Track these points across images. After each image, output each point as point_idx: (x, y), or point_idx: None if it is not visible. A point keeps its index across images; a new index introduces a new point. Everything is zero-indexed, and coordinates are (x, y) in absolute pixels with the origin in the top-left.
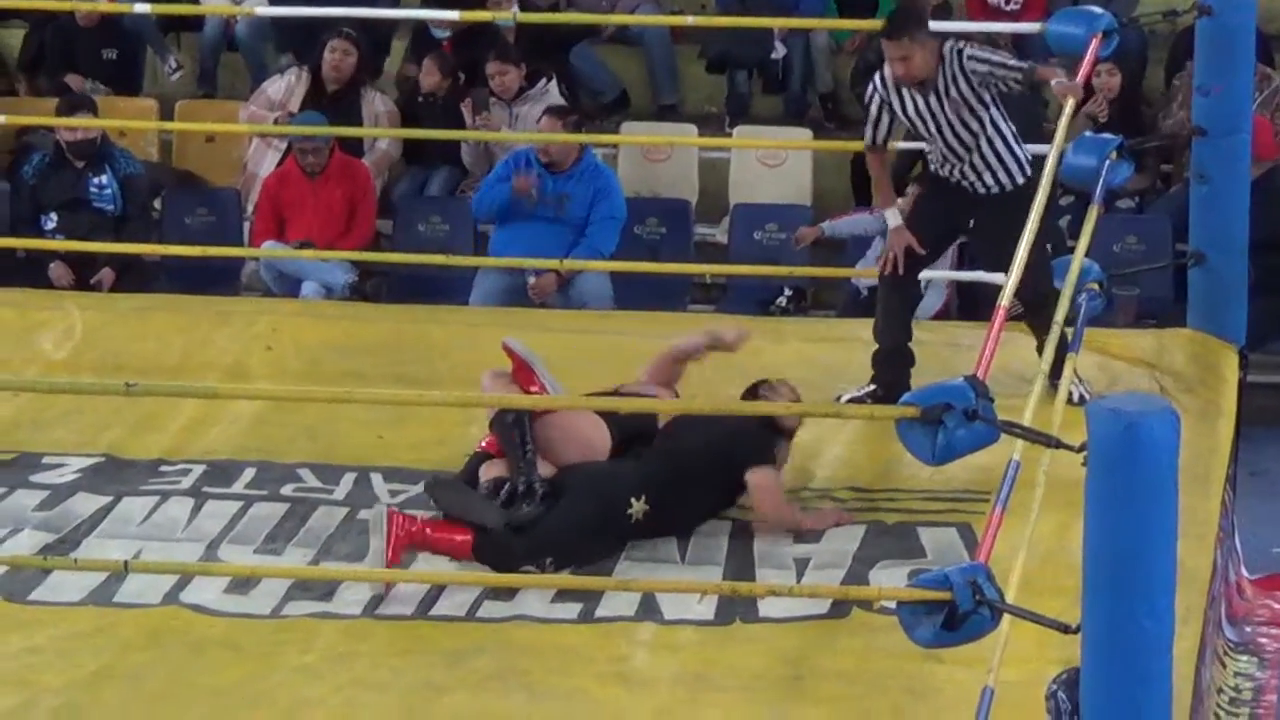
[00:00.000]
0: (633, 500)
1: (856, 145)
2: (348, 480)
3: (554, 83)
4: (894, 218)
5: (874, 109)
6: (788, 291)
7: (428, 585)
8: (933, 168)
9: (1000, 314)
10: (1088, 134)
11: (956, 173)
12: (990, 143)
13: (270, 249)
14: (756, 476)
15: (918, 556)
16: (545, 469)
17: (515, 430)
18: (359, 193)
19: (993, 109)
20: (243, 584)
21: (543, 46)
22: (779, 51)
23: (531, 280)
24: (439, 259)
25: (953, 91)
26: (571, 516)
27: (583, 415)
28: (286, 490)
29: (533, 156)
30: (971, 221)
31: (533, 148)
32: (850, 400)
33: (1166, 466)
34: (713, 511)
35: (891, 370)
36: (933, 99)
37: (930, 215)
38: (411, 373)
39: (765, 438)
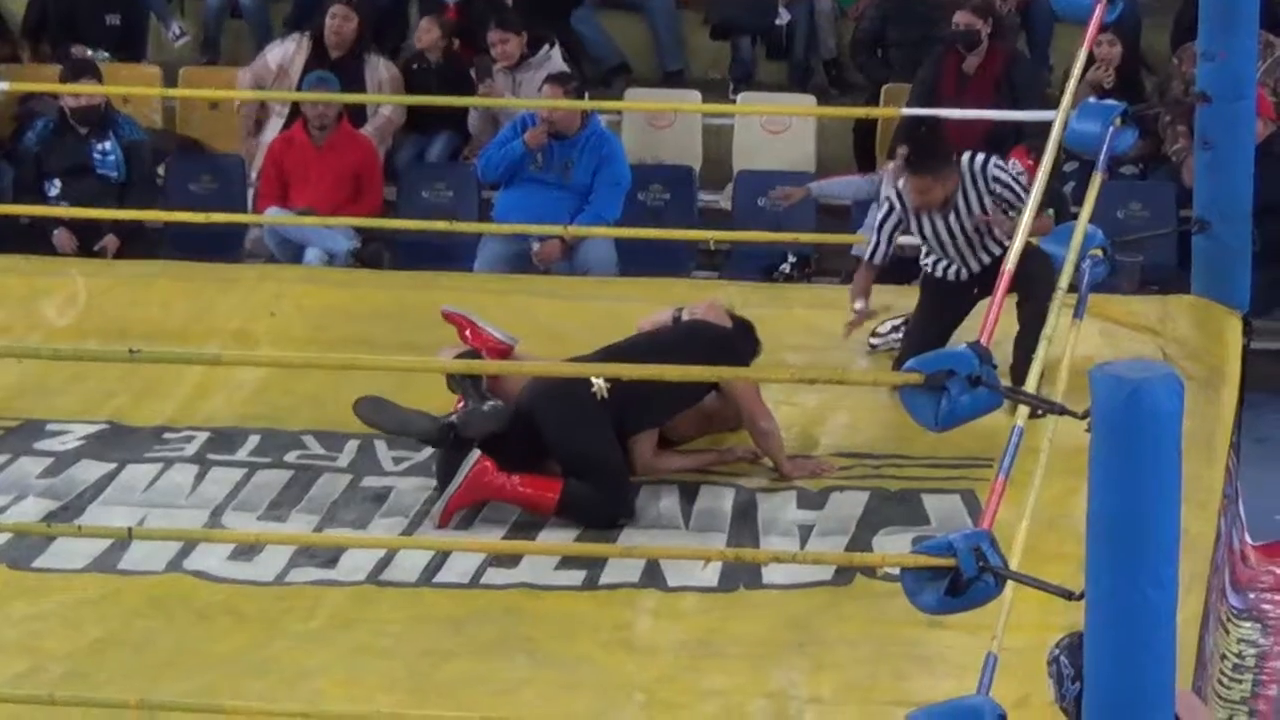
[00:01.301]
0: (593, 380)
1: (860, 111)
2: (351, 448)
3: (556, 50)
4: (860, 303)
5: (888, 226)
6: (791, 258)
7: (431, 553)
8: (935, 272)
9: (1004, 279)
10: (1091, 100)
11: (964, 273)
12: (999, 243)
13: (274, 215)
14: (737, 389)
15: (921, 523)
16: None
17: (467, 377)
18: (365, 163)
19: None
20: (246, 551)
21: (545, 13)
22: (783, 18)
23: (536, 246)
24: (443, 225)
25: (975, 209)
26: (539, 389)
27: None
28: (290, 457)
29: (536, 123)
30: (976, 290)
31: (537, 114)
32: (890, 330)
33: (1170, 433)
34: (678, 401)
35: None
36: (952, 219)
37: (936, 317)
38: (416, 339)
39: (735, 349)
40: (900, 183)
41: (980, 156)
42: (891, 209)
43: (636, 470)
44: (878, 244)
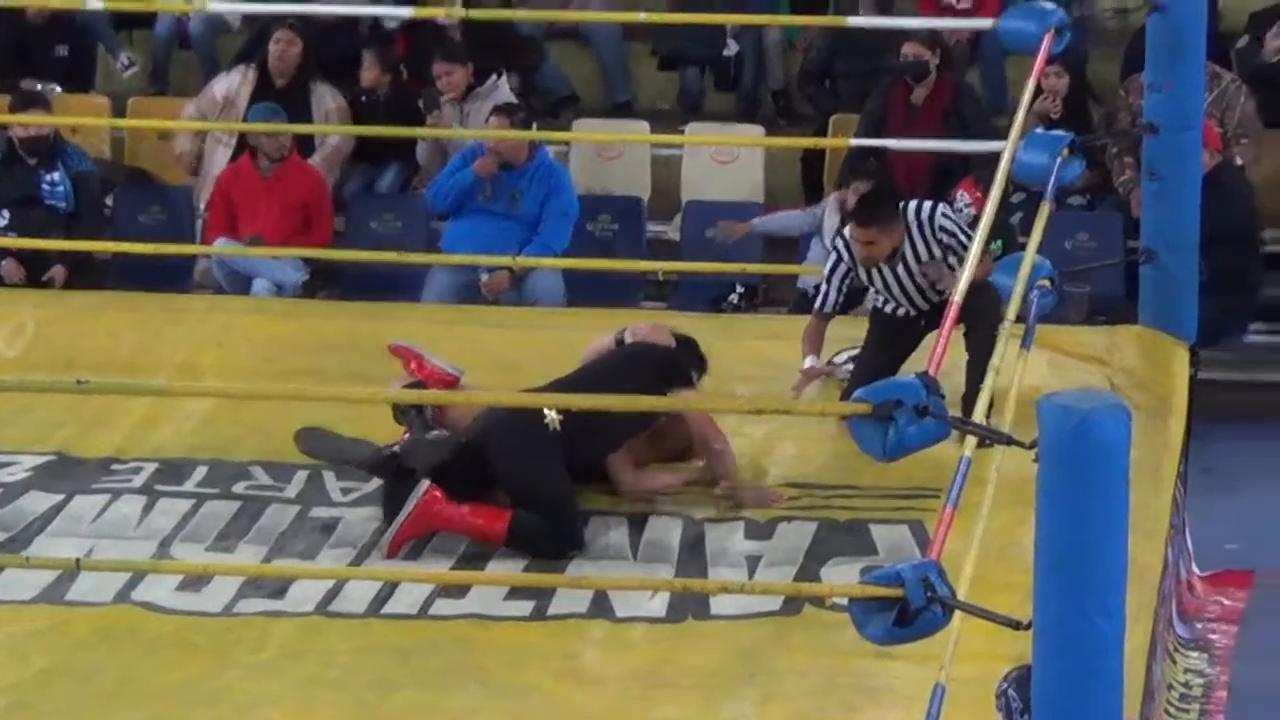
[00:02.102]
0: (546, 410)
1: (808, 142)
2: (299, 478)
3: (504, 80)
4: (811, 361)
5: (837, 277)
6: (739, 289)
7: (380, 583)
8: (884, 308)
9: (951, 310)
10: (1039, 131)
11: (913, 311)
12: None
13: (222, 246)
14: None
15: (869, 553)
16: None
17: (413, 409)
18: (313, 194)
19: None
20: (194, 582)
21: (496, 46)
22: (731, 48)
23: (484, 278)
24: (392, 256)
25: (923, 256)
26: (490, 420)
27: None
28: (238, 488)
29: (485, 153)
30: (924, 323)
31: (483, 145)
32: (846, 360)
33: (1118, 463)
34: (629, 427)
35: None
36: (900, 268)
37: (885, 349)
38: (364, 370)
39: (680, 368)
40: (847, 231)
41: (927, 205)
42: (840, 259)
43: (621, 492)
44: (827, 294)
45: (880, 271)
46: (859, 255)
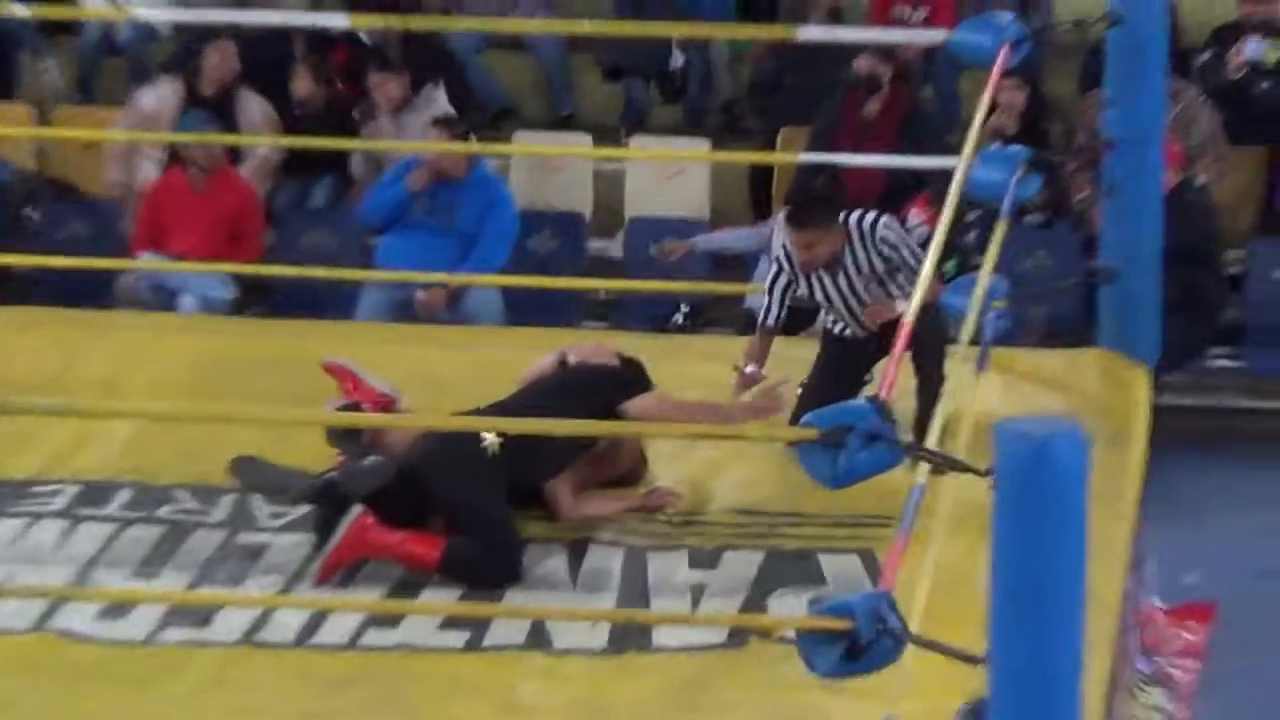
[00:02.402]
0: (484, 435)
1: (756, 156)
2: (226, 503)
3: (440, 91)
4: (751, 367)
5: (779, 286)
6: (684, 308)
7: (310, 612)
8: (833, 329)
9: (903, 333)
10: (994, 147)
11: (860, 332)
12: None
13: (149, 261)
14: (636, 405)
15: (818, 583)
16: None
17: (349, 432)
18: (244, 208)
19: (901, 274)
20: (116, 610)
21: (431, 56)
22: (677, 60)
23: (419, 295)
24: (324, 272)
25: (864, 269)
26: (428, 444)
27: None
28: (163, 512)
29: (420, 166)
30: (875, 347)
31: (419, 158)
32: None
33: (1076, 491)
34: (570, 451)
35: None
36: (841, 279)
37: (833, 373)
38: (296, 390)
39: (624, 389)
40: (787, 239)
41: (870, 216)
42: (780, 269)
43: (561, 518)
44: (769, 306)
45: (821, 281)
46: (797, 261)
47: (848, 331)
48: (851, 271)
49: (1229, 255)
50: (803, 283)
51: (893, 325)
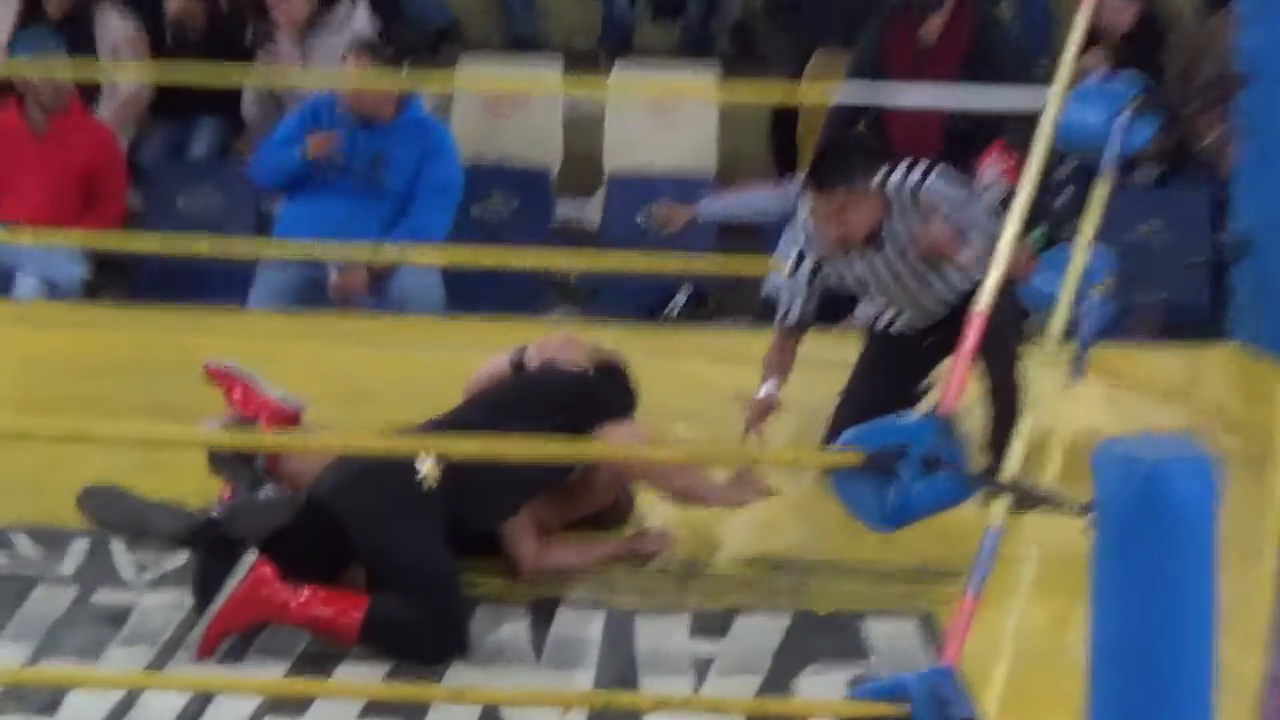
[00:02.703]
0: (420, 456)
1: (779, 92)
2: (78, 549)
3: (360, 7)
4: (769, 385)
5: (802, 275)
6: (683, 292)
7: (189, 694)
8: (876, 323)
9: (975, 325)
10: (1095, 80)
11: (912, 325)
12: (961, 272)
13: None
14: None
15: (860, 657)
16: None
17: (237, 456)
18: (102, 159)
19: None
20: None
21: None
22: None
23: (334, 275)
24: (206, 246)
25: (908, 242)
26: (344, 473)
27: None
28: None
29: (337, 105)
30: (929, 341)
31: (333, 95)
32: None
33: (1201, 533)
34: (531, 484)
35: None
36: (881, 260)
37: (879, 379)
38: (167, 401)
39: (600, 400)
40: (809, 211)
41: (914, 171)
42: (803, 253)
43: (521, 571)
44: (792, 301)
45: (855, 263)
46: (828, 238)
47: (896, 326)
48: (890, 248)
49: None
50: (833, 266)
51: (953, 311)
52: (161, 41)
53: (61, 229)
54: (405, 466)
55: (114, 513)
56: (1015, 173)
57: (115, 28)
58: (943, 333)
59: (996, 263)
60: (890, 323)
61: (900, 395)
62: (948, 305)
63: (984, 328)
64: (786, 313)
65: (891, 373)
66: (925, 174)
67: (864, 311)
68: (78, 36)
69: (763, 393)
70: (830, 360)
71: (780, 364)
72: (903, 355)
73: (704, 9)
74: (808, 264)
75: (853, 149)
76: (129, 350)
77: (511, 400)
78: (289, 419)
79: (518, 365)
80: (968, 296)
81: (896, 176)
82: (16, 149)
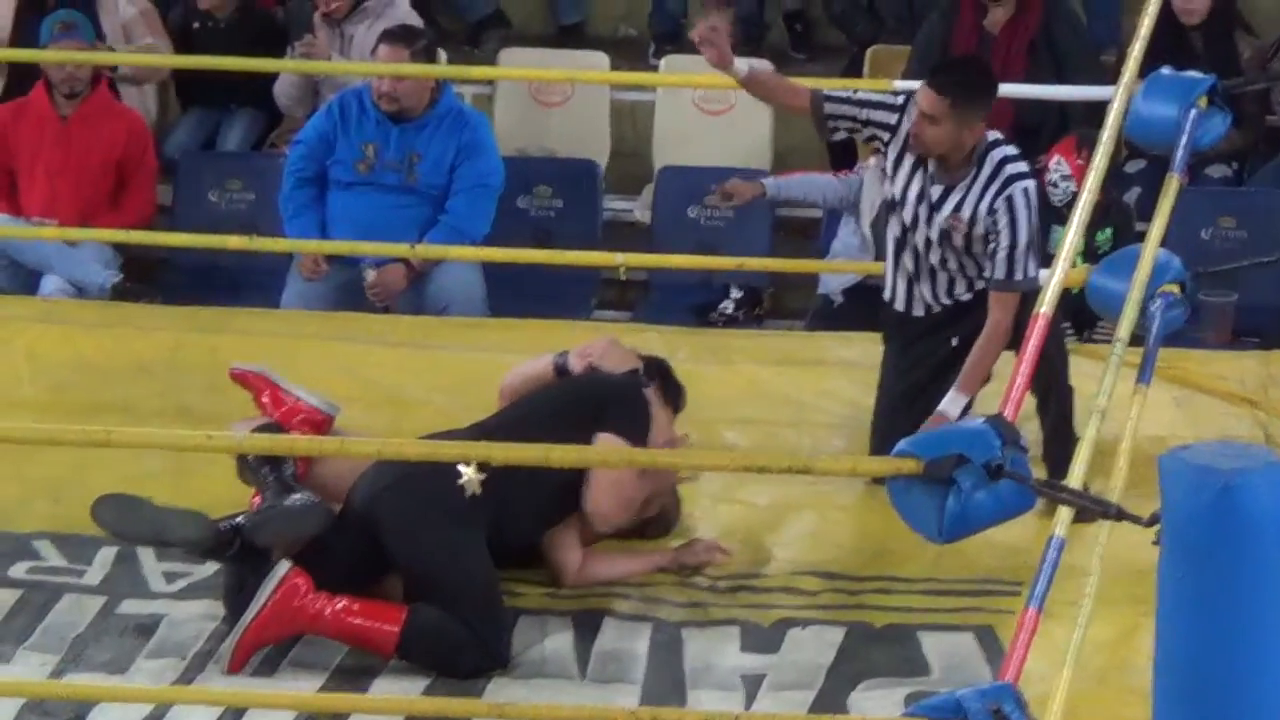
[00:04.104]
0: (462, 468)
1: (836, 84)
2: (105, 558)
3: None
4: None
5: (882, 114)
6: (735, 293)
7: (220, 709)
8: (893, 302)
9: (1039, 325)
10: (1165, 72)
11: (916, 304)
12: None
13: None
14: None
15: (918, 673)
16: None
17: (267, 462)
18: (132, 149)
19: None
20: None
21: None
22: None
23: (370, 274)
24: (239, 242)
25: (965, 211)
26: (381, 479)
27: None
28: (18, 572)
29: (367, 100)
30: (956, 340)
31: (367, 87)
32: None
33: (1275, 547)
34: (577, 496)
35: None
36: (938, 190)
37: (907, 369)
38: (196, 405)
39: (630, 390)
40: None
41: (1021, 165)
42: (900, 107)
43: (565, 582)
44: (848, 99)
45: (916, 170)
46: (911, 137)
47: (898, 296)
48: (953, 198)
49: None
50: (897, 153)
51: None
52: (189, 30)
53: (90, 223)
54: (447, 473)
55: (130, 522)
56: (1084, 170)
57: (123, 6)
58: (957, 320)
59: (1057, 265)
60: (907, 304)
61: (932, 399)
62: (951, 297)
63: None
64: (832, 93)
65: (919, 375)
66: (1023, 171)
67: (886, 278)
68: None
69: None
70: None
71: (778, 82)
72: (930, 357)
73: None
74: (881, 115)
75: (980, 76)
76: (158, 351)
77: (559, 406)
78: (320, 423)
79: (561, 370)
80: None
81: (1009, 152)
82: (40, 135)
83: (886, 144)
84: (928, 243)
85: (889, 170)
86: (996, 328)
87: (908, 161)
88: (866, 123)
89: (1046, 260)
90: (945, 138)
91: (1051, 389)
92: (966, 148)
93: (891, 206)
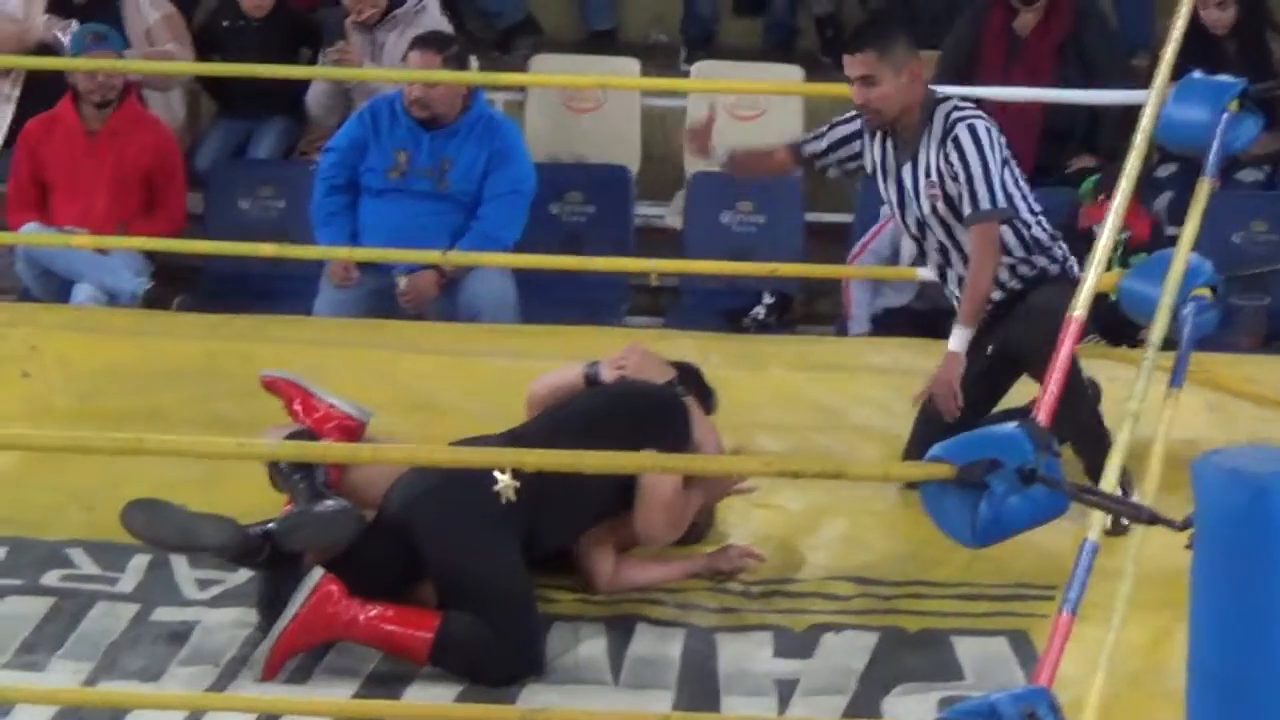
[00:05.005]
0: (497, 474)
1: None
2: (138, 565)
3: (432, 0)
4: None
5: (841, 130)
6: (768, 298)
7: (253, 716)
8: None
9: (1071, 328)
10: (1197, 75)
11: (949, 278)
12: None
13: (32, 234)
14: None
15: (952, 677)
16: None
17: (298, 469)
18: (161, 159)
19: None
20: None
21: None
22: None
23: (402, 282)
24: (271, 249)
25: (931, 168)
26: (416, 485)
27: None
28: (51, 579)
29: (399, 106)
30: (991, 348)
31: (399, 94)
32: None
33: None
34: (612, 500)
35: None
36: (909, 167)
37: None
38: (231, 411)
39: (667, 400)
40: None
41: (963, 110)
42: (855, 121)
43: (598, 588)
44: (820, 134)
45: (886, 160)
46: (861, 112)
47: (934, 270)
48: (920, 165)
49: None
50: (867, 143)
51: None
52: (218, 31)
53: (121, 232)
54: (482, 479)
55: (160, 528)
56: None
57: (146, 11)
58: (1000, 340)
59: (1090, 270)
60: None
61: (974, 409)
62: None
63: (1033, 342)
64: (804, 144)
65: (964, 385)
66: (968, 110)
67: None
68: (106, 19)
69: (731, 152)
70: (920, 369)
71: (753, 155)
72: (971, 367)
73: (789, 3)
74: (851, 132)
75: (894, 21)
76: (190, 359)
77: (596, 416)
78: (352, 429)
79: (592, 380)
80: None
81: (951, 103)
82: (70, 148)
83: (860, 154)
84: (921, 223)
85: (873, 175)
86: (979, 256)
87: (879, 154)
88: (839, 142)
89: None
90: (891, 92)
91: (1074, 388)
92: (914, 103)
93: (893, 207)
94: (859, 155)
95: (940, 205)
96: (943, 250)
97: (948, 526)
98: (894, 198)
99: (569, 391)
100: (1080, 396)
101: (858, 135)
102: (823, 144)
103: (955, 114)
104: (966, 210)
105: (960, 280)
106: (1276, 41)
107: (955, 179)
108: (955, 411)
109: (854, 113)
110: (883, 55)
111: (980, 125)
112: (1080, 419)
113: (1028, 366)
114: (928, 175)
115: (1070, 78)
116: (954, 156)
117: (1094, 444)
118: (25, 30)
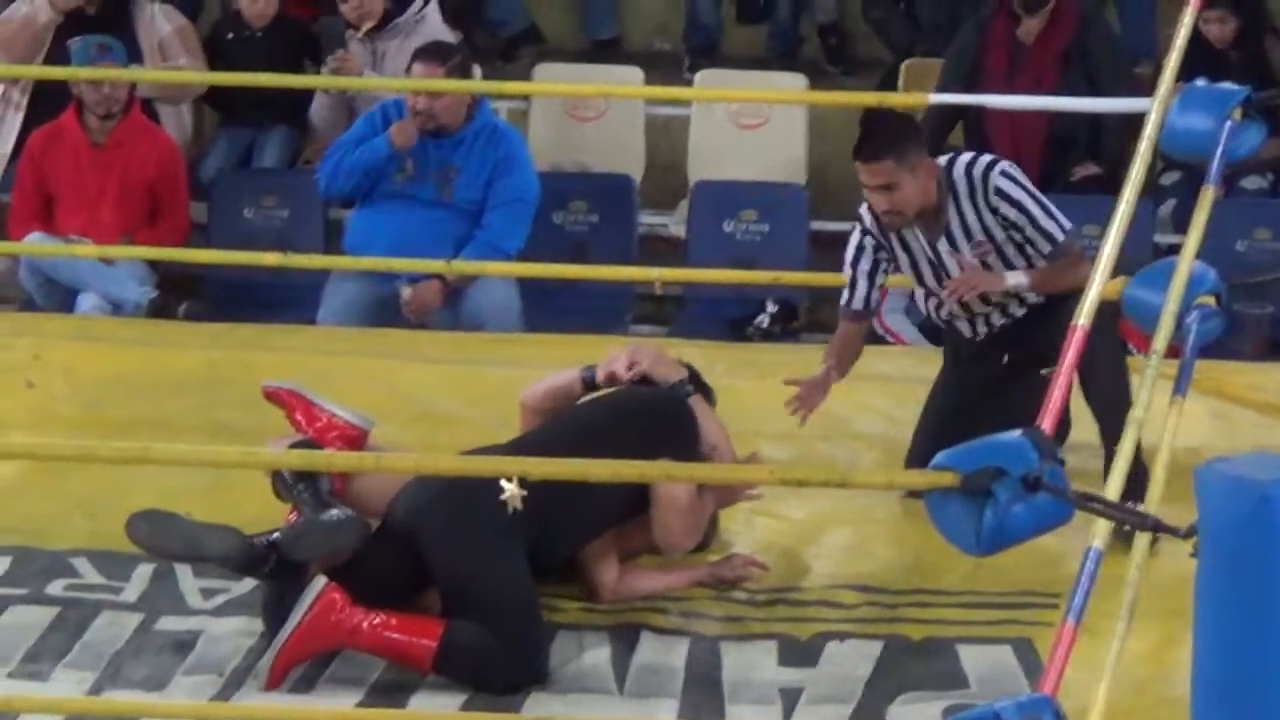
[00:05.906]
0: (504, 483)
1: (870, 97)
2: (142, 574)
3: (432, 8)
4: (826, 372)
5: (865, 259)
6: (771, 307)
7: None
8: (950, 324)
9: (1075, 336)
10: (1200, 84)
11: (980, 328)
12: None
13: (36, 244)
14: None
15: (957, 686)
16: None
17: (302, 478)
18: (165, 169)
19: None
20: None
21: None
22: None
23: (406, 291)
24: (274, 259)
25: (976, 232)
26: (421, 494)
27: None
28: (55, 589)
29: (405, 113)
30: (1006, 358)
31: (403, 102)
32: None
33: None
34: (620, 508)
35: None
36: (946, 246)
37: (956, 391)
38: (234, 420)
39: (673, 406)
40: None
41: (981, 159)
42: (864, 233)
43: (603, 596)
44: (854, 283)
45: (915, 247)
46: (881, 217)
47: (963, 325)
48: (959, 235)
49: None
50: (897, 252)
51: (1032, 324)
52: (222, 41)
53: (126, 242)
54: (489, 488)
55: (165, 538)
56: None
57: (160, 20)
58: (1013, 340)
59: (1098, 277)
60: (957, 325)
61: (975, 407)
62: (1007, 316)
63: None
64: (849, 297)
65: (965, 382)
66: (991, 163)
67: (926, 303)
68: (119, 34)
69: (818, 374)
70: (923, 377)
71: (840, 352)
72: (976, 364)
73: (792, 11)
74: (869, 247)
75: (900, 120)
76: (194, 368)
77: (603, 424)
78: (355, 438)
79: (588, 383)
80: (1042, 311)
81: (962, 161)
82: (75, 159)
83: (890, 256)
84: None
85: (902, 265)
86: (1075, 265)
87: (906, 245)
88: (869, 271)
89: None
90: (912, 192)
91: (1112, 400)
92: (932, 188)
93: (922, 281)
94: (890, 258)
95: (991, 258)
96: (970, 306)
97: (952, 535)
98: (929, 274)
99: (565, 396)
100: (1128, 406)
101: (874, 246)
102: (860, 289)
103: (974, 168)
104: (1046, 249)
105: (986, 323)
106: (1278, 49)
107: (1019, 229)
108: (962, 292)
109: (854, 234)
110: (900, 161)
111: (1007, 167)
112: (1117, 428)
113: (1082, 379)
114: (971, 238)
115: (1074, 85)
116: (1007, 209)
117: (1108, 455)
118: (38, 40)
